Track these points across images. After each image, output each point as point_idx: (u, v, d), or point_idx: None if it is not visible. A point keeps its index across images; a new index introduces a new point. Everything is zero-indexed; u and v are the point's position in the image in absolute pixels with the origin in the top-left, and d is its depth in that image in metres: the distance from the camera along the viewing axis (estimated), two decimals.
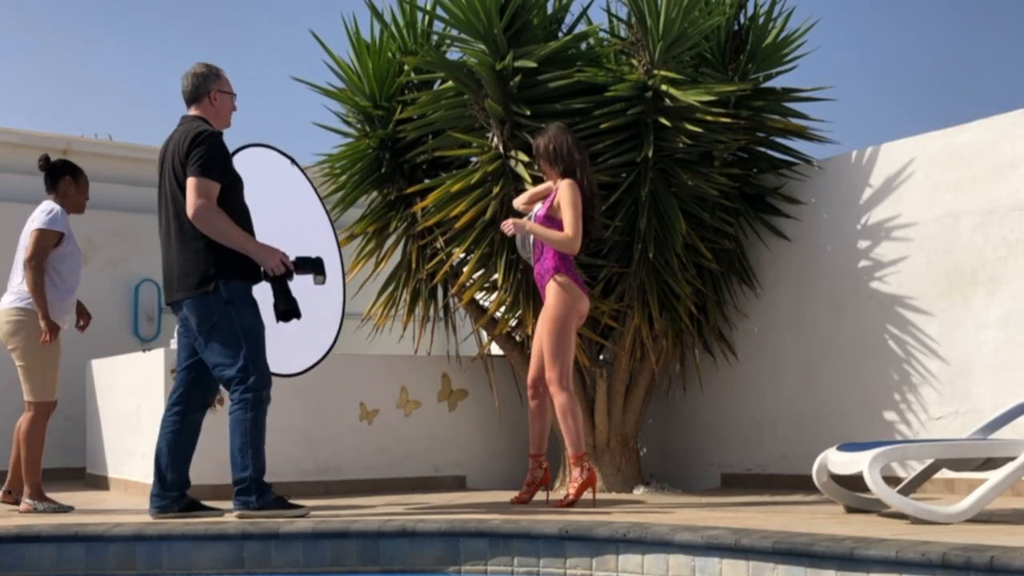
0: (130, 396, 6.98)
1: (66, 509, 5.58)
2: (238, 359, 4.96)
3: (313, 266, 5.23)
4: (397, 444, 7.04)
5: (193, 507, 5.16)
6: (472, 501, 6.02)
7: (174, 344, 6.67)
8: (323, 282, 5.35)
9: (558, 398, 5.50)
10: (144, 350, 7.00)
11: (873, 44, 20.96)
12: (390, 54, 6.71)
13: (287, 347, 5.54)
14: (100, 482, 7.46)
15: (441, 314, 7.06)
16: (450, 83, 6.49)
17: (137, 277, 8.96)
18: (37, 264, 5.61)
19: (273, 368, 5.19)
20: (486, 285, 6.71)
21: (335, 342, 5.90)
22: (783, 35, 6.69)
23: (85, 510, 5.67)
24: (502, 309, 6.58)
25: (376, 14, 6.69)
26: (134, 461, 6.82)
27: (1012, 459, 4.54)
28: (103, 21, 20.45)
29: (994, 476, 4.51)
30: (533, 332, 6.36)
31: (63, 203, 5.85)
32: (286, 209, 5.79)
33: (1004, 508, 4.93)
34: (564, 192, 5.54)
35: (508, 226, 5.64)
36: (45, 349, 5.62)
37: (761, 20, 6.70)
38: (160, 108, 20.57)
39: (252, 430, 4.95)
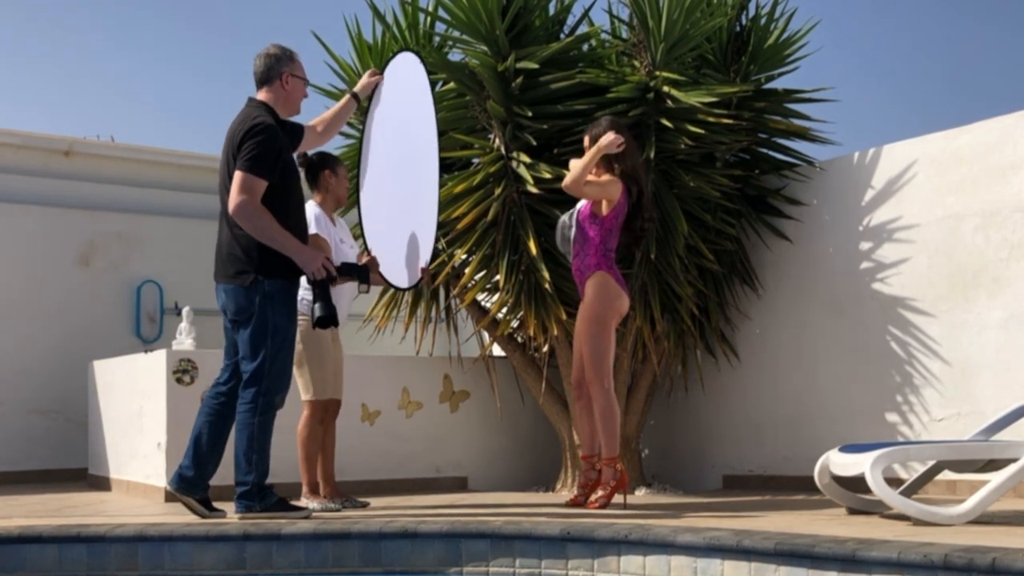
0: (132, 397, 6.98)
1: (355, 506, 5.58)
2: (258, 357, 4.91)
3: (357, 273, 5.12)
4: (399, 445, 7.03)
5: (207, 504, 5.10)
6: (474, 502, 6.02)
7: (176, 345, 6.70)
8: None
9: (599, 399, 5.46)
10: (146, 351, 6.99)
11: (875, 45, 20.97)
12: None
13: (398, 264, 5.47)
14: (102, 483, 7.45)
15: (443, 315, 7.06)
16: (452, 84, 6.49)
17: (139, 278, 8.95)
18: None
19: (396, 281, 5.39)
20: (488, 286, 6.71)
21: (433, 254, 5.66)
22: (785, 36, 6.69)
23: (86, 511, 5.68)
24: (504, 310, 6.58)
25: (378, 15, 6.69)
26: (136, 462, 6.82)
27: (1014, 461, 4.54)
28: (105, 22, 20.48)
29: (996, 478, 4.50)
30: (534, 333, 6.37)
31: (325, 198, 5.70)
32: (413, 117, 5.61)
33: (1006, 510, 4.93)
34: (605, 180, 5.46)
35: (615, 141, 5.47)
36: (311, 349, 5.54)
37: (763, 21, 6.70)
38: (162, 110, 20.59)
39: (259, 435, 4.92)
